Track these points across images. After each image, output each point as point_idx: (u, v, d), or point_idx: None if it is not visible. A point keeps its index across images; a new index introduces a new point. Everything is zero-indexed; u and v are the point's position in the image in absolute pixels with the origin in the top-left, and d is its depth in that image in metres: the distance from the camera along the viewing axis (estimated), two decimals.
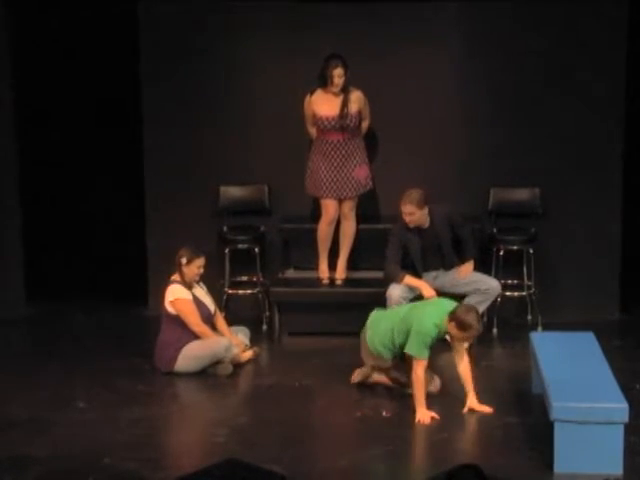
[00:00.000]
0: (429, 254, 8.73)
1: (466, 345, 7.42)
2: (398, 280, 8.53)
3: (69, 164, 10.77)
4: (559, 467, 6.44)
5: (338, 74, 8.76)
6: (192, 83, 9.47)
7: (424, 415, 7.16)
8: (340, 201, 9.06)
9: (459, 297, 8.36)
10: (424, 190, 8.49)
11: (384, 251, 8.65)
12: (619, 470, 6.33)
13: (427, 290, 8.44)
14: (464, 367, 7.41)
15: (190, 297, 8.22)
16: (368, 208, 9.44)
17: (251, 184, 9.54)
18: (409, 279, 8.54)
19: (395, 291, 8.53)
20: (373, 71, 9.20)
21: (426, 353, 7.27)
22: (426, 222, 8.64)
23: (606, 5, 9.16)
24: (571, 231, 9.39)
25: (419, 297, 8.43)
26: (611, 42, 9.16)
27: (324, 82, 8.84)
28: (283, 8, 9.36)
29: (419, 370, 7.23)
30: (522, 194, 9.36)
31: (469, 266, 8.75)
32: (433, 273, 8.78)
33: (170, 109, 9.50)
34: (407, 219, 8.56)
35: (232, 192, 9.55)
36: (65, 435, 7.09)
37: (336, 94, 8.87)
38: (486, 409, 7.29)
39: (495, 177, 9.38)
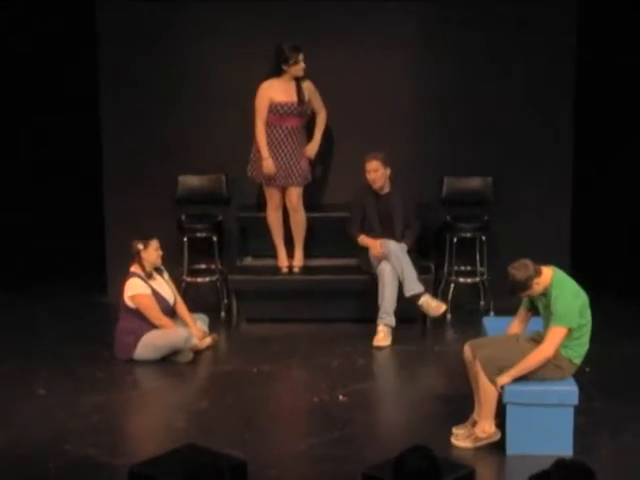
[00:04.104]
0: (383, 221, 8.90)
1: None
2: (355, 239, 8.89)
3: (26, 152, 10.76)
4: (511, 449, 6.58)
5: (302, 58, 8.88)
6: (149, 73, 9.49)
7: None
8: (284, 190, 9.16)
9: None
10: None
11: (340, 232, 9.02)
12: (569, 451, 6.46)
13: (375, 248, 8.75)
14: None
15: (149, 291, 8.24)
16: (323, 197, 9.58)
17: (209, 173, 9.59)
18: (363, 238, 8.88)
19: (387, 267, 8.67)
20: (327, 63, 9.27)
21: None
22: (386, 187, 8.85)
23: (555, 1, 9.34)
24: (522, 219, 9.53)
25: None
26: (560, 38, 9.28)
27: (279, 70, 8.94)
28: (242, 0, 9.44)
29: None
30: (475, 183, 9.48)
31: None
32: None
33: (127, 100, 9.52)
34: (372, 176, 8.80)
35: (190, 181, 9.59)
36: (25, 422, 7.12)
37: (290, 81, 8.97)
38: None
39: (448, 166, 9.52)
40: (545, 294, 6.59)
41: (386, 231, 8.91)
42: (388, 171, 8.85)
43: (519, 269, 6.54)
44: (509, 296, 6.80)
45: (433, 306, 8.64)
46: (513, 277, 6.54)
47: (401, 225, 8.93)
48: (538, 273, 6.53)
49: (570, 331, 6.52)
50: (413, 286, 8.64)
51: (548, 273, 6.58)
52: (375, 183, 8.84)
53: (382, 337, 8.60)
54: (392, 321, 8.65)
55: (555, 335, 6.50)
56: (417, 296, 8.64)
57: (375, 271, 8.80)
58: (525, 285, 6.53)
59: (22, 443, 6.80)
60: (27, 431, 6.98)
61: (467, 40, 9.38)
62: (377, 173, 8.80)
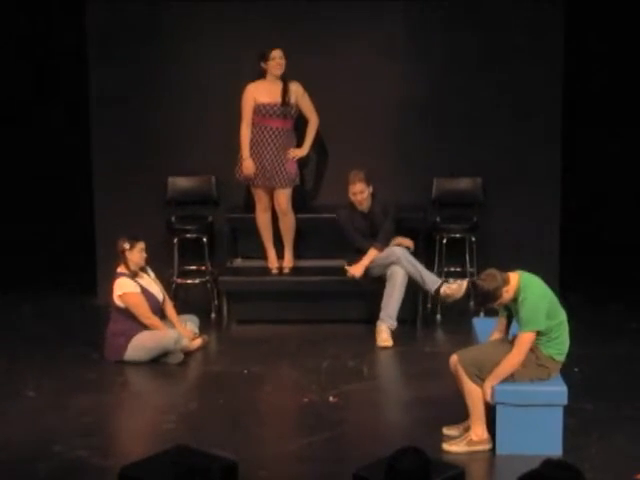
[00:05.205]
0: (373, 236, 8.90)
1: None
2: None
3: (16, 153, 10.76)
4: (501, 449, 6.59)
5: (279, 55, 8.90)
6: (138, 75, 9.51)
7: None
8: (272, 192, 9.16)
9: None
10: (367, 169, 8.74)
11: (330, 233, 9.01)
12: (559, 451, 6.48)
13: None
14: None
15: (138, 289, 8.26)
16: (312, 198, 9.59)
17: (199, 175, 9.62)
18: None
19: (400, 270, 8.66)
20: (318, 65, 9.31)
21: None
22: (369, 205, 8.82)
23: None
24: (512, 219, 9.57)
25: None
26: (548, 39, 9.33)
27: (262, 72, 8.98)
28: (232, 2, 9.44)
29: None
30: (464, 184, 9.53)
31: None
32: None
33: (118, 101, 9.53)
34: (358, 198, 8.75)
35: (180, 183, 9.63)
36: (15, 424, 7.12)
37: (275, 82, 8.99)
38: None
39: (438, 167, 9.54)
40: (515, 299, 6.60)
41: None
42: (371, 188, 8.79)
43: (486, 280, 6.54)
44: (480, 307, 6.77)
45: (454, 287, 8.66)
46: (482, 289, 6.54)
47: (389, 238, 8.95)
48: (506, 281, 6.53)
49: (539, 333, 6.54)
50: (434, 280, 8.71)
51: (515, 279, 6.58)
52: (361, 204, 8.80)
53: (386, 337, 8.61)
54: (394, 325, 8.68)
55: (523, 341, 6.53)
56: (437, 288, 8.69)
57: (375, 275, 8.81)
58: (495, 295, 6.53)
59: (11, 445, 6.79)
60: (16, 433, 6.97)
61: (457, 41, 9.42)
62: (363, 195, 8.76)
